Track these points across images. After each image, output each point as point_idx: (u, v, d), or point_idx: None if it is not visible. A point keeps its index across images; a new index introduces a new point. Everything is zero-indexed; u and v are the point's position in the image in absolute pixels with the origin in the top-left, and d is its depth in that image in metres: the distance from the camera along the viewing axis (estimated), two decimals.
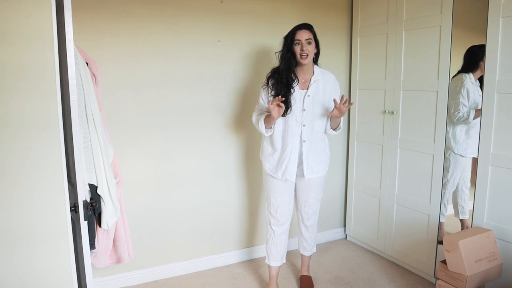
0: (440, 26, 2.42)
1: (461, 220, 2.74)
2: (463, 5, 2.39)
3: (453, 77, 2.55)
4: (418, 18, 2.57)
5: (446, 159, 2.62)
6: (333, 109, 2.21)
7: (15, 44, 1.32)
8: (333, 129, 2.39)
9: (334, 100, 2.18)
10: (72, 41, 1.41)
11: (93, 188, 1.94)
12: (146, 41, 2.49)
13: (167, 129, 2.63)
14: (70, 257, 1.47)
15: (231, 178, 2.90)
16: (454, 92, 2.54)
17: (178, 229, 2.76)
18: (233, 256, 2.97)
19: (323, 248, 3.22)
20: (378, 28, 2.89)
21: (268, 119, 2.25)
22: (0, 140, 1.33)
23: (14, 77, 1.33)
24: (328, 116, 2.35)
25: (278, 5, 2.87)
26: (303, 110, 2.28)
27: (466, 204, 2.68)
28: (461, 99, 2.51)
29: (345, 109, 2.18)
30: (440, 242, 2.52)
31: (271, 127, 2.31)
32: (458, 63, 2.55)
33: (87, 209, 1.69)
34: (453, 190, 2.69)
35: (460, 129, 2.58)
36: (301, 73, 2.32)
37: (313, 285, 2.61)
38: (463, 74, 2.54)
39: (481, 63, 2.24)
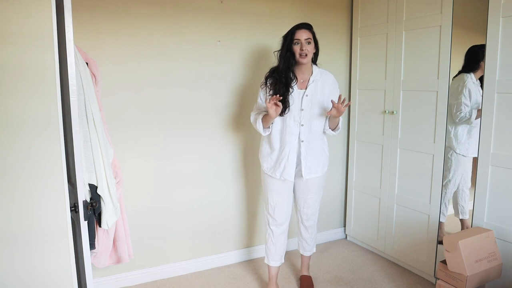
0: (440, 26, 2.42)
1: (461, 220, 2.74)
2: (463, 5, 2.39)
3: (454, 77, 2.56)
4: (418, 18, 2.57)
5: (447, 159, 2.63)
6: (331, 108, 2.21)
7: (15, 44, 1.32)
8: (332, 130, 2.39)
9: (332, 101, 2.18)
10: (72, 41, 1.41)
11: (93, 188, 1.94)
12: (146, 41, 2.49)
13: (167, 129, 2.63)
14: (70, 257, 1.47)
15: (231, 178, 2.90)
16: (455, 92, 2.54)
17: (178, 229, 2.76)
18: (233, 256, 2.98)
19: (323, 248, 3.22)
20: (378, 28, 2.89)
21: (266, 118, 2.24)
22: (0, 140, 1.33)
23: (14, 77, 1.33)
24: (326, 116, 2.35)
25: (278, 5, 2.87)
26: (301, 109, 2.28)
27: (466, 204, 2.68)
28: (463, 99, 2.51)
29: (343, 108, 2.18)
30: (440, 242, 2.52)
31: (269, 127, 2.31)
32: (458, 63, 2.55)
33: (87, 209, 1.69)
34: (454, 190, 2.69)
35: (462, 129, 2.58)
36: (299, 73, 2.32)
37: (313, 285, 2.61)
38: (465, 74, 2.54)
39: (482, 63, 2.24)
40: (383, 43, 2.85)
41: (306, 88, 2.29)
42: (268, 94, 2.30)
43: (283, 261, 2.55)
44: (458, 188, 2.69)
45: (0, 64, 1.31)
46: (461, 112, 2.52)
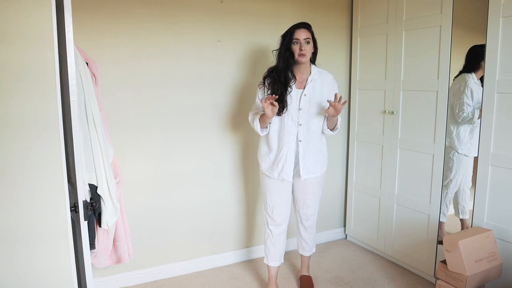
0: (440, 26, 2.42)
1: (461, 220, 2.74)
2: (463, 5, 2.39)
3: (455, 77, 2.56)
4: (418, 18, 2.57)
5: (449, 159, 2.63)
6: (329, 107, 2.20)
7: (15, 44, 1.32)
8: (331, 130, 2.38)
9: (329, 100, 2.17)
10: (72, 41, 1.41)
11: (93, 188, 1.94)
12: (146, 41, 2.49)
13: (167, 129, 2.63)
14: (70, 257, 1.47)
15: (231, 178, 2.90)
16: (457, 92, 2.54)
17: (178, 229, 2.76)
18: (233, 256, 2.98)
19: (323, 248, 3.22)
20: (378, 28, 2.89)
21: (263, 118, 2.24)
22: (0, 140, 1.33)
23: (14, 77, 1.33)
24: (325, 116, 2.34)
25: (278, 5, 2.87)
26: (299, 109, 2.27)
27: (467, 204, 2.68)
28: (465, 99, 2.51)
29: (340, 107, 2.18)
30: (440, 242, 2.52)
31: (266, 127, 2.30)
32: (458, 63, 2.55)
33: (87, 209, 1.69)
34: (455, 190, 2.69)
35: (464, 129, 2.58)
36: (298, 72, 2.31)
37: (313, 285, 2.61)
38: (466, 74, 2.54)
39: (483, 62, 2.24)
40: (383, 43, 2.85)
41: (304, 88, 2.29)
42: (266, 94, 2.29)
43: (282, 261, 2.55)
44: (459, 188, 2.69)
45: (0, 64, 1.31)
46: (463, 112, 2.52)
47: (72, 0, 1.44)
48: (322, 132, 2.40)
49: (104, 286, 2.57)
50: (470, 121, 2.53)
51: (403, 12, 2.68)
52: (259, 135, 2.39)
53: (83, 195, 1.54)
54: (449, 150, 2.62)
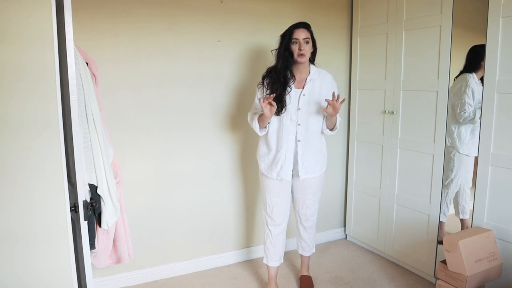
0: (440, 26, 2.42)
1: (461, 220, 2.74)
2: (463, 5, 2.39)
3: (456, 77, 2.56)
4: (418, 18, 2.57)
5: (450, 159, 2.63)
6: (327, 106, 2.19)
7: (15, 44, 1.32)
8: (330, 130, 2.38)
9: (326, 100, 2.17)
10: (72, 41, 1.41)
11: (93, 188, 1.94)
12: (146, 41, 2.49)
13: (167, 129, 2.63)
14: (70, 257, 1.47)
15: (231, 178, 2.90)
16: (459, 92, 2.54)
17: (178, 229, 2.76)
18: (233, 256, 2.98)
19: (323, 248, 3.22)
20: (378, 28, 2.89)
21: (262, 118, 2.24)
22: (0, 140, 1.33)
23: (14, 77, 1.33)
24: (324, 116, 2.34)
25: (278, 5, 2.87)
26: (298, 109, 2.27)
27: (467, 203, 2.68)
28: (467, 99, 2.51)
29: (338, 105, 2.17)
30: (440, 242, 2.52)
31: (265, 127, 2.30)
32: (458, 63, 2.55)
33: (87, 209, 1.69)
34: (456, 190, 2.69)
35: (465, 129, 2.58)
36: (297, 72, 2.31)
37: (313, 285, 2.61)
38: (467, 74, 2.54)
39: (483, 62, 2.24)
40: (383, 43, 2.85)
41: (303, 88, 2.29)
42: (265, 94, 2.29)
43: (282, 261, 2.55)
44: (459, 188, 2.69)
45: (0, 64, 1.31)
46: (465, 112, 2.52)
47: (72, 0, 1.44)
48: (322, 132, 2.39)
49: (104, 286, 2.57)
50: (471, 121, 2.52)
51: (403, 12, 2.68)
52: (258, 135, 2.39)
53: (83, 195, 1.54)
54: (450, 150, 2.62)
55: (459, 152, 2.61)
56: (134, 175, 2.56)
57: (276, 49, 2.31)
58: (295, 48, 2.22)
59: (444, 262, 2.20)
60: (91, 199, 1.93)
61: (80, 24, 2.27)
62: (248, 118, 2.37)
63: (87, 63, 2.01)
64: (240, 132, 2.87)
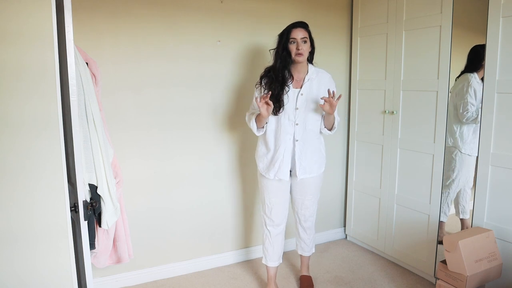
0: (440, 26, 2.42)
1: (461, 220, 2.74)
2: (463, 5, 2.39)
3: (457, 77, 2.56)
4: (418, 18, 2.57)
5: (451, 159, 2.62)
6: (324, 103, 2.18)
7: (15, 44, 1.32)
8: (328, 129, 2.37)
9: (323, 97, 2.16)
10: (72, 41, 1.41)
11: (93, 188, 1.94)
12: (146, 41, 2.49)
13: (167, 129, 2.63)
14: (70, 257, 1.47)
15: (231, 178, 2.90)
16: (461, 92, 2.54)
17: (178, 229, 2.76)
18: (233, 256, 2.98)
19: (323, 248, 3.22)
20: (378, 28, 2.89)
21: (259, 118, 2.23)
22: (0, 140, 1.33)
23: (14, 77, 1.33)
24: (322, 115, 2.34)
25: (278, 5, 2.87)
26: (296, 108, 2.27)
27: (468, 203, 2.68)
28: (469, 99, 2.51)
29: (335, 102, 2.17)
30: (440, 242, 2.52)
31: (263, 127, 2.30)
32: (458, 63, 2.55)
33: (87, 209, 1.69)
34: (457, 190, 2.68)
35: (467, 129, 2.58)
36: (295, 72, 2.31)
37: (313, 285, 2.61)
38: (468, 74, 2.54)
39: (484, 62, 2.24)
40: (383, 43, 2.85)
41: (301, 87, 2.29)
42: (263, 94, 2.29)
43: (281, 261, 2.55)
44: (460, 187, 2.69)
45: (0, 64, 1.31)
46: (468, 112, 2.52)
47: (72, 0, 1.43)
48: (320, 132, 2.39)
49: (104, 286, 2.57)
50: (474, 120, 2.52)
51: (403, 12, 2.68)
52: (259, 135, 2.39)
53: (83, 195, 1.54)
54: (452, 150, 2.62)
55: (461, 152, 2.61)
56: (134, 175, 2.56)
57: (274, 49, 2.31)
58: (292, 47, 2.22)
59: (444, 262, 2.20)
60: (91, 199, 1.93)
61: (80, 24, 2.27)
62: (246, 118, 2.37)
63: (87, 63, 2.01)
64: (240, 132, 2.87)
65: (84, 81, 1.89)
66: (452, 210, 2.74)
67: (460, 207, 2.72)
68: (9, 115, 1.33)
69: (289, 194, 2.46)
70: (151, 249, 2.69)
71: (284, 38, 2.24)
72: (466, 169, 2.64)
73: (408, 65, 2.68)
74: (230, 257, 2.96)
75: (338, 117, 2.39)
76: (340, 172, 3.34)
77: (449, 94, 2.47)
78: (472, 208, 2.35)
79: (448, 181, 2.64)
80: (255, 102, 2.33)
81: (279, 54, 2.26)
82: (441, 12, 2.41)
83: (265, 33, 2.84)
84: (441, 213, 2.55)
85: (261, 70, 2.50)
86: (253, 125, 2.29)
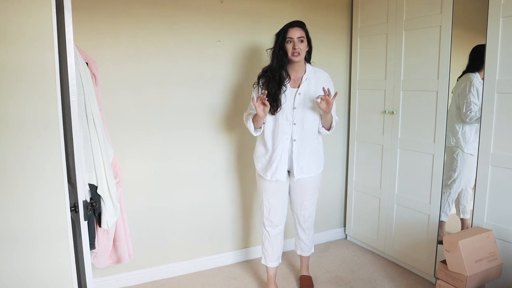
0: (440, 26, 2.42)
1: (462, 220, 2.74)
2: (463, 5, 2.39)
3: (459, 77, 2.55)
4: (418, 18, 2.57)
5: (453, 159, 2.62)
6: (321, 101, 2.17)
7: (15, 44, 1.32)
8: (327, 129, 2.36)
9: (319, 96, 2.16)
10: (72, 41, 1.41)
11: (93, 188, 1.94)
12: (146, 41, 2.49)
13: (167, 129, 2.63)
14: (70, 257, 1.47)
15: (231, 178, 2.90)
16: (463, 92, 2.54)
17: (178, 229, 2.76)
18: (233, 256, 2.98)
19: (323, 248, 3.22)
20: (378, 28, 2.89)
21: (256, 118, 2.23)
22: (0, 140, 1.33)
23: (14, 77, 1.33)
24: (320, 115, 2.33)
25: (278, 5, 2.87)
26: (294, 108, 2.26)
27: (468, 203, 2.68)
28: (472, 98, 2.51)
29: (331, 100, 2.15)
30: (440, 242, 2.52)
31: (260, 127, 2.29)
32: (458, 63, 2.54)
33: (87, 209, 1.69)
34: (459, 190, 2.68)
35: (470, 128, 2.57)
36: (292, 71, 2.30)
37: (313, 285, 2.61)
38: (470, 74, 2.53)
39: None
40: (383, 43, 2.85)
41: (299, 87, 2.28)
42: (260, 94, 2.28)
43: (280, 261, 2.54)
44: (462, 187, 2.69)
45: (0, 64, 1.31)
46: (471, 112, 2.51)
47: (72, 0, 1.43)
48: (319, 132, 2.38)
49: (104, 286, 2.57)
50: (477, 120, 2.52)
51: (403, 12, 2.68)
52: (259, 136, 2.38)
53: (83, 195, 1.54)
54: (454, 150, 2.62)
55: (463, 152, 2.61)
56: (134, 175, 2.56)
57: (271, 48, 2.31)
58: (289, 47, 2.22)
59: (444, 262, 2.20)
60: (91, 199, 1.93)
61: (80, 24, 2.27)
62: (244, 119, 2.37)
63: (87, 63, 2.01)
64: (240, 132, 2.87)
65: (84, 81, 1.89)
66: (453, 210, 2.74)
67: (460, 207, 2.72)
68: (9, 115, 1.33)
69: (288, 194, 2.46)
70: (151, 249, 2.69)
71: (281, 37, 2.23)
72: (468, 169, 2.64)
73: (408, 65, 2.68)
74: (230, 257, 2.96)
75: (337, 117, 2.38)
76: (340, 172, 3.34)
77: (450, 94, 2.47)
78: (472, 208, 2.35)
79: (450, 181, 2.64)
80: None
81: (275, 54, 2.26)
82: (441, 12, 2.41)
83: (265, 33, 2.83)
84: (441, 213, 2.55)
85: (261, 69, 2.51)
86: (250, 125, 2.28)
